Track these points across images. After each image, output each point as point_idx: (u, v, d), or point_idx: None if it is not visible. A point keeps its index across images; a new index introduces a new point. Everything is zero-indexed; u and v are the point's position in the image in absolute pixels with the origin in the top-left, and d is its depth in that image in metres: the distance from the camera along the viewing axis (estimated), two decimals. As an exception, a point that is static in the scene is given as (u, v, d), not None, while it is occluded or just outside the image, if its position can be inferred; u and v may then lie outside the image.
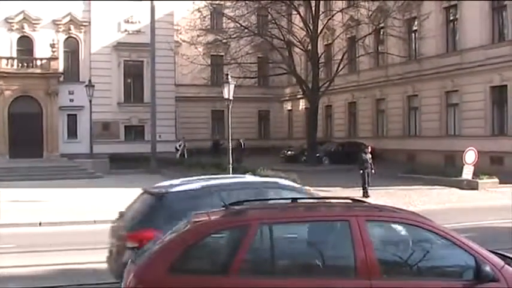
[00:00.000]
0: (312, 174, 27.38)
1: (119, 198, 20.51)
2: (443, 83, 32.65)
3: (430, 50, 33.56)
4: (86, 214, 16.67)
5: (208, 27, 41.32)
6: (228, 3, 37.48)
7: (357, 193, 19.39)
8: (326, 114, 44.83)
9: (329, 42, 41.99)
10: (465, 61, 30.81)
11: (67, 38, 37.85)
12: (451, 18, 32.91)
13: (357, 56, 38.13)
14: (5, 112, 34.72)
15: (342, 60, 35.97)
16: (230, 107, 20.51)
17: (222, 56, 43.63)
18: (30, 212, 17.08)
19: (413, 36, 35.90)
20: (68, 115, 37.15)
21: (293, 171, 23.42)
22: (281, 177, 12.41)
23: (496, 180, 22.86)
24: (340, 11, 37.47)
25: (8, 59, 35.26)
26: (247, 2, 35.90)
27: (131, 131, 39.12)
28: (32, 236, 13.81)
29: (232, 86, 20.26)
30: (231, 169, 20.06)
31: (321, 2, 36.70)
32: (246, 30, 35.84)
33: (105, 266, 10.22)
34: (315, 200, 6.10)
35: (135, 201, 8.31)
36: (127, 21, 38.41)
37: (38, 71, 35.26)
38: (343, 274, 4.93)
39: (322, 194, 19.62)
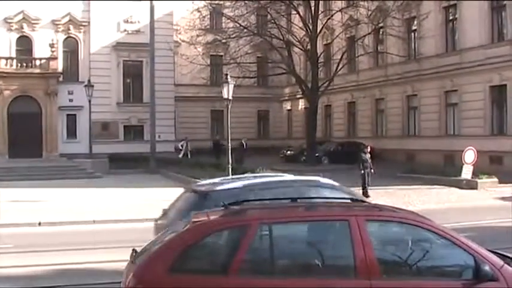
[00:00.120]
0: (311, 174, 27.33)
1: (118, 198, 20.63)
2: (443, 83, 32.65)
3: (430, 49, 33.55)
4: (85, 214, 16.67)
5: (208, 27, 41.31)
6: (228, 3, 37.44)
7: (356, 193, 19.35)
8: (325, 114, 44.82)
9: (328, 41, 41.97)
10: (464, 61, 30.81)
11: (66, 38, 37.86)
12: (451, 17, 32.91)
13: (356, 55, 38.12)
14: (4, 112, 34.73)
15: (341, 59, 35.94)
16: (229, 106, 20.49)
17: (222, 55, 43.61)
18: (29, 211, 17.07)
19: (413, 36, 35.90)
20: (67, 115, 37.16)
21: (292, 171, 23.40)
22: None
23: (496, 179, 22.87)
24: (340, 10, 37.46)
25: (7, 59, 35.27)
26: (246, 1, 35.87)
27: (130, 131, 39.13)
28: (31, 236, 13.80)
29: (231, 86, 20.24)
30: (230, 169, 20.03)
31: (320, 2, 36.67)
32: (245, 30, 35.81)
33: (104, 265, 10.28)
34: (316, 200, 6.08)
35: (178, 200, 8.50)
36: (126, 21, 38.42)
37: (37, 71, 35.26)
38: (342, 274, 4.92)
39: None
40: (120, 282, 5.21)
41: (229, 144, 20.54)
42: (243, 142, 33.72)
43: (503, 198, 19.30)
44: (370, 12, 35.29)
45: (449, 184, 22.87)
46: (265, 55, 41.27)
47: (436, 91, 33.17)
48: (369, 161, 21.29)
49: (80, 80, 36.94)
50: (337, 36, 39.06)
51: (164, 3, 37.65)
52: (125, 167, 32.32)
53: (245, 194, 7.62)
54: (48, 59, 35.38)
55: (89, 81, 34.27)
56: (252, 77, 38.92)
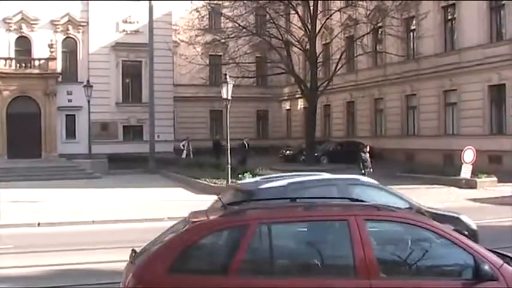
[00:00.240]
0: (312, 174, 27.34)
1: (117, 199, 20.63)
2: (442, 82, 32.66)
3: (428, 49, 33.58)
4: (85, 214, 16.67)
5: (207, 27, 41.33)
6: (226, 3, 37.41)
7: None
8: (324, 114, 44.85)
9: (327, 41, 41.97)
10: (463, 60, 30.83)
11: (65, 38, 37.83)
12: (449, 17, 32.94)
13: (355, 55, 38.14)
14: (3, 112, 34.70)
15: (340, 59, 35.93)
16: (228, 106, 20.50)
17: (221, 55, 43.59)
18: (28, 212, 17.06)
19: (412, 36, 35.92)
20: (67, 115, 37.12)
21: (292, 171, 23.42)
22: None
23: (495, 179, 22.90)
24: (338, 10, 37.45)
25: (6, 59, 35.24)
26: (245, 1, 35.87)
27: (129, 131, 39.11)
28: (31, 236, 13.79)
29: (230, 86, 20.26)
30: (229, 169, 20.04)
31: (319, 2, 36.63)
32: (244, 30, 35.79)
33: (103, 266, 10.28)
34: (314, 200, 6.07)
35: (223, 198, 8.44)
36: (125, 21, 38.39)
37: (36, 71, 35.23)
38: (342, 274, 4.92)
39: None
40: (119, 283, 5.21)
41: (229, 144, 20.53)
42: (245, 142, 33.59)
43: (503, 198, 19.32)
44: (369, 12, 35.28)
45: (449, 183, 22.88)
46: (264, 55, 41.24)
47: (435, 91, 33.18)
48: (369, 160, 21.33)
49: (79, 80, 36.90)
50: (336, 36, 39.07)
51: (163, 4, 37.64)
52: (124, 167, 32.32)
53: (290, 192, 7.72)
54: (47, 60, 35.35)
55: (88, 81, 34.25)
56: (251, 77, 38.93)
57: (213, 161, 31.11)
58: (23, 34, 36.93)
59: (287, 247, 5.13)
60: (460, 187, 22.24)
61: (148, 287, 4.77)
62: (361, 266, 4.81)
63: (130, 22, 38.44)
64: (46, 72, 35.20)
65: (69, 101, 36.85)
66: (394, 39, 34.91)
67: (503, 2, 29.01)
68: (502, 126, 29.07)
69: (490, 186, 22.29)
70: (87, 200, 20.37)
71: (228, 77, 20.50)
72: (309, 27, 35.50)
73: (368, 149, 22.42)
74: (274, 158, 38.14)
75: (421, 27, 34.02)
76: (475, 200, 19.52)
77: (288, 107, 51.18)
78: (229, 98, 20.29)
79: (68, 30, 37.74)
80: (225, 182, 20.38)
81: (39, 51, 36.13)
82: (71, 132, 37.28)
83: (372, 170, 21.33)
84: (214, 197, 19.74)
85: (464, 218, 8.92)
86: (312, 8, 35.41)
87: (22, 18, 36.71)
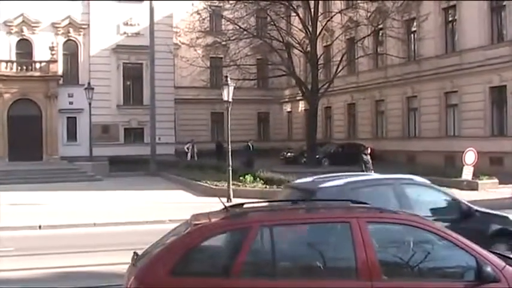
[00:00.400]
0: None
1: (118, 201, 20.62)
2: (443, 84, 32.65)
3: (429, 50, 33.58)
4: (86, 217, 16.65)
5: (208, 29, 41.42)
6: (227, 5, 37.49)
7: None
8: (325, 116, 44.85)
9: (328, 43, 41.99)
10: (464, 62, 30.82)
11: (66, 41, 37.85)
12: (450, 19, 32.93)
13: (356, 57, 38.15)
14: (5, 115, 34.72)
15: (341, 61, 35.96)
16: (229, 109, 20.47)
17: (221, 58, 43.54)
18: (29, 215, 17.06)
19: (413, 37, 35.93)
20: (68, 118, 37.12)
21: (293, 173, 23.41)
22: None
23: (496, 180, 22.85)
24: (339, 12, 37.48)
25: (7, 62, 35.25)
26: (246, 4, 35.90)
27: (131, 133, 39.11)
28: (32, 238, 13.79)
29: (231, 88, 20.22)
30: (230, 171, 20.01)
31: (320, 4, 36.67)
32: (245, 32, 35.83)
33: (105, 268, 10.27)
34: (316, 202, 6.07)
35: (280, 195, 8.90)
36: (126, 24, 38.40)
37: (37, 74, 35.26)
38: (344, 276, 4.93)
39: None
40: (120, 285, 5.21)
41: (230, 146, 20.52)
42: (250, 144, 33.47)
43: (504, 199, 19.28)
44: (369, 14, 35.31)
45: (450, 185, 22.74)
46: (265, 57, 41.24)
47: (436, 92, 33.18)
48: (370, 162, 21.29)
49: (80, 82, 36.91)
50: (336, 37, 39.07)
51: (164, 6, 37.66)
52: (125, 169, 32.32)
53: (347, 191, 7.94)
54: (48, 62, 35.37)
55: (89, 83, 34.23)
56: (252, 79, 38.94)
57: (215, 163, 31.03)
58: (24, 37, 36.95)
59: (289, 249, 5.13)
60: (461, 189, 22.14)
61: None
62: (363, 268, 4.81)
63: (131, 24, 38.45)
64: (47, 75, 35.22)
65: (70, 103, 36.86)
66: (394, 41, 34.93)
67: (504, 3, 29.01)
68: (503, 127, 29.04)
69: (491, 188, 22.25)
70: (88, 203, 20.36)
71: (229, 79, 20.46)
72: (310, 29, 35.51)
73: (369, 151, 22.34)
74: (275, 160, 38.09)
75: (421, 29, 34.02)
76: (476, 201, 19.45)
77: (289, 109, 51.18)
78: (230, 100, 20.25)
79: (69, 32, 37.75)
80: (226, 184, 20.36)
81: (40, 53, 36.14)
82: (72, 135, 37.28)
83: (373, 172, 21.24)
84: (215, 199, 19.71)
85: None
86: (312, 10, 35.42)
87: (23, 21, 36.73)
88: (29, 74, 35.17)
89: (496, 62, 28.50)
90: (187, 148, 37.85)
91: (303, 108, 45.61)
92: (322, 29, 36.79)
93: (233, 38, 36.34)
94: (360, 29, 37.18)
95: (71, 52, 38.14)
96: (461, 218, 8.55)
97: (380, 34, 37.43)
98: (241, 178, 22.16)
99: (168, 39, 38.32)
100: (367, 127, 40.10)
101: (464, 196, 20.59)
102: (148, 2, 34.95)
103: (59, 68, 36.15)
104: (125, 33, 38.48)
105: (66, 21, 37.56)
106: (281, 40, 36.40)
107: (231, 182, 20.04)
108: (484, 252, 5.05)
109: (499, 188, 22.07)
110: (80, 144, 36.36)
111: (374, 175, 9.42)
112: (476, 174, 22.87)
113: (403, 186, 8.53)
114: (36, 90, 35.19)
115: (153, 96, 34.65)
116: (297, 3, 37.07)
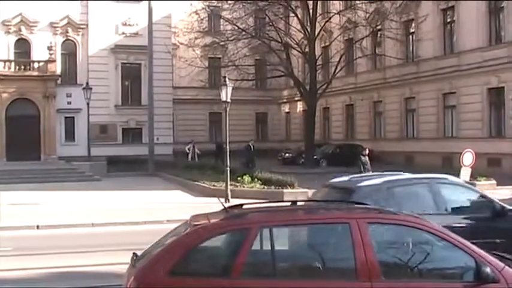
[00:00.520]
0: (309, 177, 27.31)
1: (116, 201, 20.60)
2: (441, 85, 32.68)
3: (428, 52, 33.61)
4: (84, 217, 16.62)
5: (206, 29, 41.41)
6: (226, 6, 37.51)
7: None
8: (324, 117, 44.87)
9: (326, 44, 42.00)
10: (462, 63, 30.86)
11: (64, 41, 37.80)
12: (448, 20, 32.97)
13: (355, 58, 38.17)
14: (2, 115, 34.68)
15: (339, 62, 36.00)
16: (228, 109, 20.47)
17: (220, 58, 43.57)
18: (27, 214, 17.03)
19: (411, 38, 35.95)
20: (66, 118, 37.09)
21: (291, 174, 23.42)
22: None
23: (494, 182, 22.86)
24: (338, 13, 37.50)
25: (5, 61, 35.21)
26: (244, 4, 35.94)
27: (129, 133, 39.08)
28: (30, 238, 13.76)
29: (229, 89, 20.20)
30: (228, 172, 20.00)
31: (319, 4, 36.70)
32: (243, 33, 35.85)
33: (103, 268, 10.26)
34: (315, 203, 6.08)
35: (316, 195, 9.02)
36: (124, 24, 38.38)
37: (36, 73, 35.22)
38: (343, 276, 4.94)
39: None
40: (118, 285, 5.21)
41: (228, 147, 20.51)
42: (251, 144, 33.42)
43: (502, 200, 19.27)
44: (368, 15, 35.33)
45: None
46: (264, 57, 41.28)
47: (434, 93, 33.21)
48: (369, 163, 21.27)
49: (78, 82, 36.87)
50: (335, 38, 39.11)
51: (162, 6, 37.65)
52: (124, 169, 32.31)
53: (384, 191, 8.26)
54: (47, 62, 35.32)
55: (87, 83, 34.18)
56: (250, 80, 38.97)
57: (214, 163, 30.99)
58: (22, 36, 36.90)
59: (289, 250, 5.15)
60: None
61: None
62: (362, 268, 4.82)
63: (129, 24, 38.42)
64: (45, 75, 35.18)
65: (69, 103, 36.82)
66: (393, 42, 34.96)
67: (502, 4, 29.05)
68: (501, 129, 29.07)
69: (489, 189, 22.15)
70: (86, 203, 20.33)
71: (227, 79, 20.44)
72: (308, 29, 35.55)
73: (367, 152, 22.32)
74: (273, 161, 38.09)
75: (420, 30, 34.07)
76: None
77: (287, 110, 51.19)
78: (229, 100, 20.23)
79: (67, 32, 37.71)
80: (224, 185, 20.35)
81: (39, 53, 36.11)
82: (70, 135, 37.24)
83: (371, 173, 21.22)
84: (213, 200, 19.70)
85: None
86: (311, 10, 35.46)
87: (21, 21, 36.68)
88: (27, 73, 35.12)
89: (494, 64, 28.53)
90: (188, 149, 37.78)
91: (301, 109, 45.63)
92: (320, 30, 36.82)
93: (231, 38, 36.36)
94: (359, 30, 37.22)
95: (69, 52, 38.10)
96: (494, 217, 8.63)
97: (378, 35, 37.48)
98: (239, 179, 22.16)
99: (166, 39, 38.33)
100: (365, 128, 40.12)
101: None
102: (147, 2, 34.96)
103: (57, 67, 36.14)
104: (123, 33, 38.45)
105: (65, 21, 37.52)
106: (279, 41, 36.43)
107: (229, 183, 20.04)
108: (483, 253, 5.05)
109: (497, 189, 22.05)
110: (78, 144, 36.33)
111: (409, 175, 9.51)
112: (474, 175, 22.83)
113: (438, 185, 8.69)
114: (34, 90, 35.15)
115: (151, 96, 34.63)
116: (295, 4, 37.11)
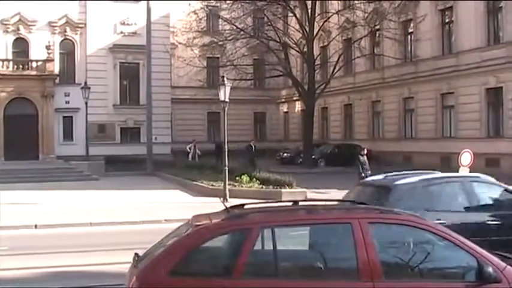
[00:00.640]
0: (307, 176, 27.35)
1: (115, 201, 20.56)
2: (439, 85, 32.70)
3: (426, 52, 33.63)
4: (82, 216, 16.59)
5: (204, 29, 41.36)
6: (224, 6, 37.48)
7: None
8: (322, 116, 44.86)
9: (325, 44, 42.02)
10: (461, 63, 30.88)
11: (63, 40, 37.74)
12: (447, 20, 32.99)
13: (353, 58, 38.20)
14: (0, 114, 34.61)
15: (337, 62, 36.01)
16: (226, 109, 20.44)
17: (218, 58, 43.59)
18: (25, 214, 17.00)
19: (409, 38, 35.96)
20: (64, 117, 37.03)
21: (289, 173, 23.40)
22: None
23: (493, 182, 22.86)
24: (336, 13, 37.51)
25: (3, 60, 35.14)
26: (243, 4, 35.92)
27: (127, 133, 39.02)
28: (28, 238, 13.71)
29: (228, 88, 20.17)
30: (227, 172, 19.98)
31: (317, 4, 36.73)
32: (241, 32, 35.86)
33: (101, 268, 10.23)
34: (317, 203, 6.08)
35: (350, 194, 9.17)
36: (123, 23, 38.32)
37: (34, 73, 35.15)
38: (345, 276, 4.93)
39: (318, 197, 19.59)
40: (116, 285, 5.19)
41: (226, 146, 20.49)
42: (252, 145, 33.37)
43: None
44: (366, 15, 35.37)
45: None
46: (262, 57, 41.29)
47: (432, 93, 33.22)
48: (367, 163, 21.25)
49: (76, 82, 36.80)
50: (333, 38, 39.14)
51: (161, 6, 37.61)
52: (122, 169, 32.27)
53: (420, 189, 8.50)
54: (45, 61, 35.26)
55: (85, 83, 34.16)
56: (248, 79, 38.99)
57: (213, 163, 30.92)
58: (21, 35, 36.83)
59: (290, 250, 5.15)
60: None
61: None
62: (364, 268, 4.81)
63: (128, 24, 38.37)
64: (43, 74, 35.13)
65: (67, 102, 36.77)
66: (391, 42, 34.99)
67: (501, 4, 29.07)
68: (499, 129, 29.09)
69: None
70: (85, 202, 20.30)
71: (225, 79, 20.41)
72: (307, 29, 35.56)
73: (366, 152, 22.31)
74: (272, 161, 38.09)
75: (418, 30, 34.08)
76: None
77: (285, 110, 51.19)
78: (227, 100, 20.21)
79: (65, 31, 37.65)
80: (222, 184, 20.32)
81: (37, 52, 36.02)
82: (68, 134, 37.17)
83: (370, 172, 21.22)
84: (212, 199, 19.68)
85: None
86: (309, 10, 35.47)
87: (20, 20, 36.61)
88: (25, 72, 35.06)
89: (492, 64, 28.55)
90: (190, 148, 37.74)
91: (300, 109, 45.63)
92: (319, 30, 36.82)
93: (230, 38, 36.36)
94: (357, 30, 37.24)
95: (68, 51, 38.04)
96: None
97: (377, 35, 37.51)
98: (237, 178, 22.14)
99: (164, 38, 38.32)
100: (364, 128, 40.12)
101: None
102: (145, 1, 34.93)
103: (55, 67, 36.05)
104: (121, 32, 38.40)
105: (63, 20, 37.45)
106: (278, 40, 36.44)
107: (227, 182, 20.02)
108: (485, 252, 5.05)
109: (495, 190, 22.07)
110: (76, 144, 36.26)
111: (441, 174, 9.66)
112: (473, 175, 22.86)
113: (471, 184, 8.92)
114: (32, 89, 35.10)
115: (150, 95, 34.60)
116: (294, 4, 37.13)
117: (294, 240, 5.31)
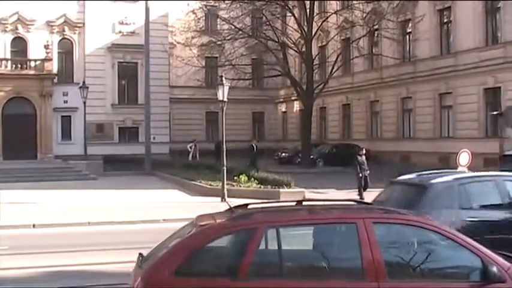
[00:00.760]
0: (306, 176, 27.34)
1: (113, 200, 20.53)
2: (437, 85, 32.73)
3: (424, 52, 33.66)
4: (80, 216, 16.55)
5: (203, 29, 41.31)
6: (223, 5, 37.46)
7: (352, 195, 19.32)
8: (320, 116, 44.87)
9: (323, 44, 42.03)
10: (459, 63, 30.92)
11: (61, 39, 37.69)
12: (445, 20, 33.02)
13: (351, 58, 38.21)
14: (-2, 113, 34.60)
15: (336, 62, 36.00)
16: (224, 108, 20.43)
17: (217, 57, 43.55)
18: (24, 213, 16.96)
19: (408, 38, 36.01)
20: (62, 116, 36.98)
21: (287, 173, 23.39)
22: None
23: (492, 182, 22.87)
24: (335, 12, 37.53)
25: (1, 60, 35.07)
26: (241, 3, 35.91)
27: (125, 132, 38.98)
28: (26, 237, 13.68)
29: (226, 88, 20.16)
30: (225, 171, 19.96)
31: (315, 4, 36.72)
32: (240, 32, 35.83)
33: (99, 267, 10.21)
34: (321, 203, 6.06)
35: (386, 194, 9.32)
36: (121, 23, 38.28)
37: (32, 72, 35.08)
38: (350, 276, 4.93)
39: (316, 197, 19.55)
40: (115, 284, 5.17)
41: (224, 146, 20.47)
42: (254, 145, 33.32)
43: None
44: (365, 15, 35.39)
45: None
46: (260, 57, 41.24)
47: (430, 93, 33.25)
48: (365, 163, 21.22)
49: (74, 81, 36.75)
50: (332, 38, 39.17)
51: (159, 5, 37.58)
52: (120, 168, 32.22)
53: (456, 187, 8.61)
54: (43, 60, 35.20)
55: (83, 82, 34.11)
56: (247, 79, 38.97)
57: (212, 163, 30.90)
58: (19, 35, 36.78)
59: (295, 250, 5.14)
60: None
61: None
62: (369, 268, 4.81)
63: (126, 23, 38.33)
64: (42, 73, 35.06)
65: (65, 102, 36.72)
66: (390, 41, 35.00)
67: (499, 4, 29.10)
68: (497, 129, 29.07)
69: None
70: (83, 202, 20.26)
71: (224, 79, 20.40)
72: (305, 29, 35.54)
73: (364, 152, 22.29)
74: (270, 161, 38.08)
75: (417, 30, 34.11)
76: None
77: (283, 109, 51.19)
78: (225, 100, 20.20)
79: (64, 31, 37.60)
80: (220, 184, 20.30)
81: (35, 52, 35.96)
82: (66, 134, 37.12)
83: (368, 172, 21.20)
84: (210, 199, 19.67)
85: None
86: (308, 10, 35.44)
87: (18, 19, 36.55)
88: (23, 72, 34.99)
89: (490, 64, 28.60)
90: (190, 147, 37.70)
91: (298, 109, 45.62)
92: (317, 30, 36.83)
93: (228, 37, 36.33)
94: (356, 30, 37.24)
95: (66, 51, 37.99)
96: None
97: (375, 35, 37.52)
98: (235, 178, 22.12)
99: (163, 38, 38.30)
100: (362, 128, 40.14)
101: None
102: (144, 1, 34.85)
103: (53, 66, 35.99)
104: (120, 32, 38.36)
105: (62, 20, 37.40)
106: (276, 40, 36.43)
107: (225, 182, 20.00)
108: (490, 252, 5.05)
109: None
110: (74, 143, 36.21)
111: (475, 173, 9.78)
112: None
113: (504, 182, 9.06)
114: (30, 88, 35.03)
115: (148, 95, 34.56)
116: (292, 4, 37.12)
117: (299, 240, 5.30)
